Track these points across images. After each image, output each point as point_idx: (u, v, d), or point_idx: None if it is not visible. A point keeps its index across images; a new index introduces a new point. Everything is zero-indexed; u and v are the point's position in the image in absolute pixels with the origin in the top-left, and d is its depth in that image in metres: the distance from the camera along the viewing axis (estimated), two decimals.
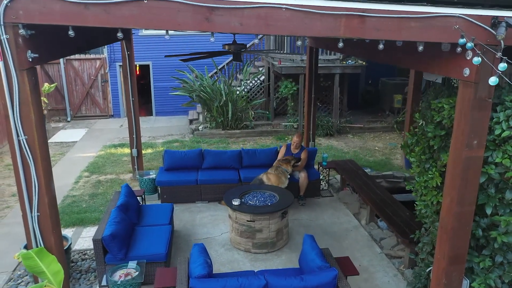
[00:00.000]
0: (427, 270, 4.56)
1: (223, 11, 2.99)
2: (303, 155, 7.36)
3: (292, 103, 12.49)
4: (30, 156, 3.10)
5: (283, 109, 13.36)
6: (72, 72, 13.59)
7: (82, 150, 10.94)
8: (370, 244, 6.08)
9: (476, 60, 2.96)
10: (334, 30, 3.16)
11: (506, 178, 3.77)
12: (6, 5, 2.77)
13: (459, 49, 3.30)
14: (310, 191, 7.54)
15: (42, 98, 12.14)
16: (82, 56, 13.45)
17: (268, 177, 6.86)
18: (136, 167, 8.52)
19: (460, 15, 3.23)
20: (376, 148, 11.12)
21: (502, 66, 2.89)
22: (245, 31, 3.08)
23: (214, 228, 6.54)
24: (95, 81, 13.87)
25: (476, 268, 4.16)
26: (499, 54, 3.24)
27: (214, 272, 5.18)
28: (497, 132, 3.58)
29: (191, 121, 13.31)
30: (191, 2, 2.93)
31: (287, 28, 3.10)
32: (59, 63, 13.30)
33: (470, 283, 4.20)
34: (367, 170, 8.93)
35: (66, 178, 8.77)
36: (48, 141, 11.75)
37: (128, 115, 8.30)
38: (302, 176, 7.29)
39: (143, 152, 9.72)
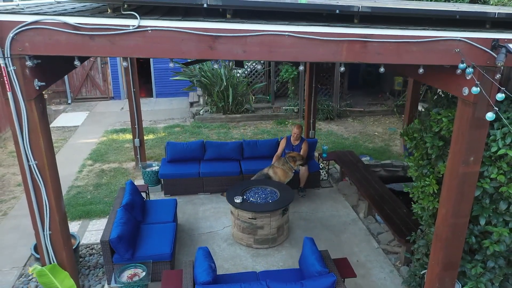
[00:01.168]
0: (422, 272, 4.76)
1: (226, 40, 3.02)
2: (304, 147, 7.46)
3: (293, 87, 12.48)
4: (41, 180, 3.22)
5: (284, 92, 13.35)
6: None
7: (84, 135, 11.03)
8: (367, 239, 6.28)
9: (475, 90, 3.02)
10: (336, 55, 3.20)
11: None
12: (12, 38, 2.81)
13: (459, 71, 3.35)
14: (310, 182, 7.70)
15: None
16: None
17: (275, 171, 6.98)
18: (138, 156, 8.64)
19: (461, 39, 3.27)
20: (376, 133, 11.21)
21: (500, 96, 2.95)
22: (248, 57, 3.12)
23: (216, 221, 6.73)
24: (95, 63, 13.79)
25: (468, 272, 4.36)
26: (498, 76, 3.31)
27: (218, 268, 5.42)
28: (493, 149, 3.68)
29: (191, 104, 13.33)
30: (195, 32, 2.96)
31: (290, 54, 3.14)
32: None
33: (462, 286, 4.41)
34: (366, 159, 9.07)
35: (70, 166, 8.90)
36: (50, 125, 11.83)
37: (129, 105, 8.33)
38: (302, 169, 7.42)
39: (145, 138, 9.85)
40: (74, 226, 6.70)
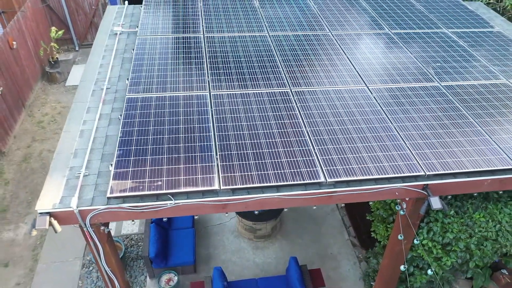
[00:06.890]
0: (371, 283, 6.74)
1: (234, 204, 4.38)
2: None
3: None
4: (113, 277, 4.91)
5: None
6: (73, 2, 13.63)
7: None
8: (341, 230, 8.16)
9: (400, 237, 4.48)
10: (310, 201, 4.57)
11: None
12: (90, 217, 4.21)
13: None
14: None
15: (52, 44, 12.71)
16: None
17: None
18: None
19: (401, 186, 4.59)
20: None
21: (416, 242, 4.43)
22: (247, 210, 4.51)
23: None
24: (97, 10, 13.99)
25: None
26: (423, 210, 4.72)
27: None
28: (420, 238, 5.25)
29: None
30: (211, 203, 4.32)
31: (278, 205, 4.52)
32: None
33: None
34: None
35: None
36: (66, 84, 12.83)
37: None
38: None
39: None
40: None
